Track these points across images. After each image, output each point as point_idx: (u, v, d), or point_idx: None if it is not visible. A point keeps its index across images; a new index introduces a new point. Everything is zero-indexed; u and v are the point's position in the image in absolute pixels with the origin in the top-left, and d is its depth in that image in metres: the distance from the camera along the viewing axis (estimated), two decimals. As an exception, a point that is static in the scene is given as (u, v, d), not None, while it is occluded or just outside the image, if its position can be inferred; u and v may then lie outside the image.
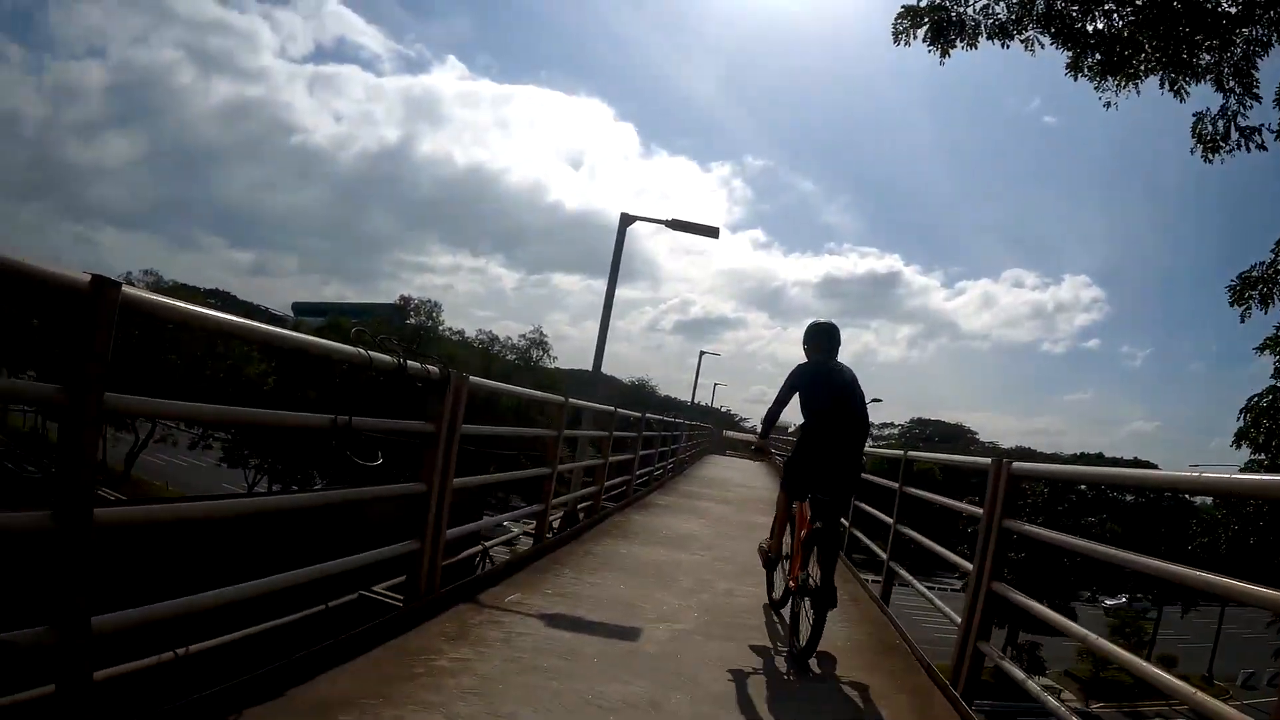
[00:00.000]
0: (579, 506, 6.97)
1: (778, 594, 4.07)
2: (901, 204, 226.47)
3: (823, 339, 3.99)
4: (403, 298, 43.99)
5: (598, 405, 7.87)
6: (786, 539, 3.99)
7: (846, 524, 5.90)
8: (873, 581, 5.40)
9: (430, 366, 3.03)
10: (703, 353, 33.20)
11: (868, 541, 6.05)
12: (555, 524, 7.27)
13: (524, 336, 49.22)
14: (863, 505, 6.25)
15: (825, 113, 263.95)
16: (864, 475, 4.96)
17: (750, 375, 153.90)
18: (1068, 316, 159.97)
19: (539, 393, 5.66)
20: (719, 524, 7.52)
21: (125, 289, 1.54)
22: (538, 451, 5.11)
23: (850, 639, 3.78)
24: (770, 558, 4.17)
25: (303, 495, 2.64)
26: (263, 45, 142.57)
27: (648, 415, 8.59)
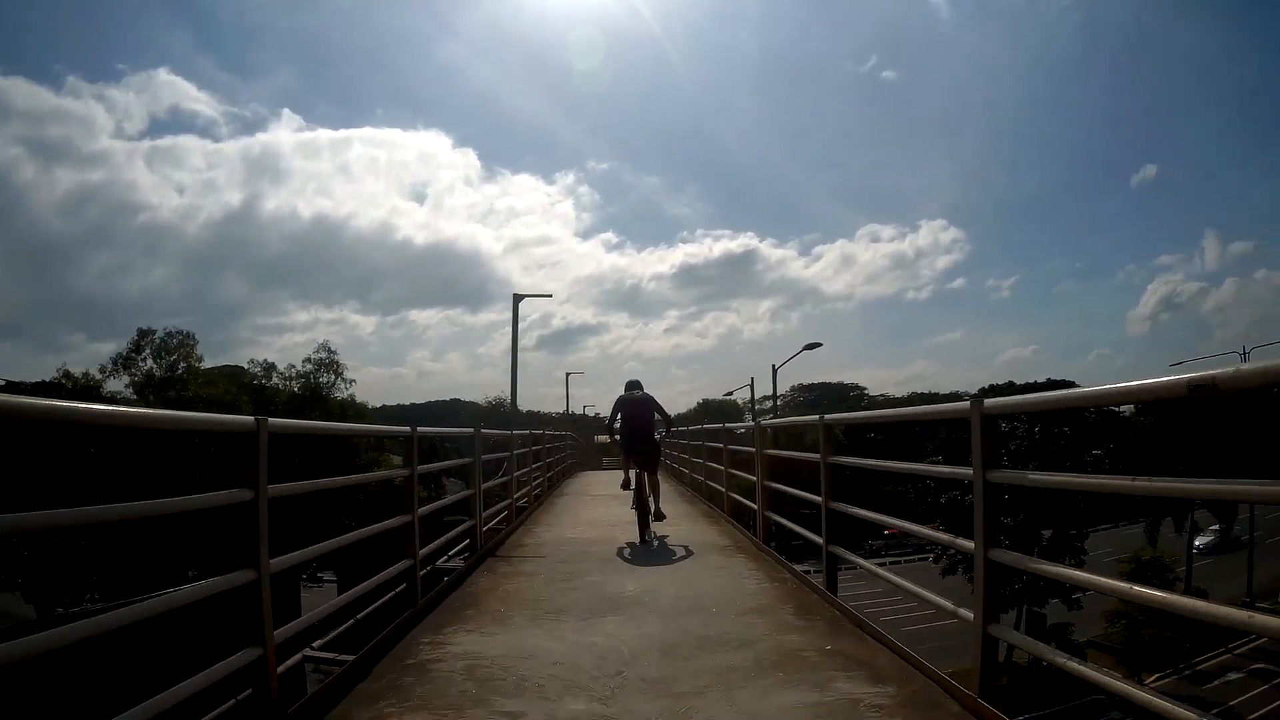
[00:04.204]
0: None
1: (634, 503, 7.16)
2: (749, 182, 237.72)
3: (632, 384, 7.65)
4: (140, 331, 30.44)
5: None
6: (633, 475, 7.33)
7: (657, 475, 7.55)
8: (814, 572, 4.65)
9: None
10: (569, 374, 36.87)
11: (795, 527, 5.41)
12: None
13: (308, 360, 33.57)
14: (776, 485, 6.21)
15: (660, 105, 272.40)
16: (660, 451, 7.89)
17: (619, 376, 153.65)
18: (929, 261, 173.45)
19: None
20: None
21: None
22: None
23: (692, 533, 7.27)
24: (627, 484, 7.45)
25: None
26: (99, 128, 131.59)
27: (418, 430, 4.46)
